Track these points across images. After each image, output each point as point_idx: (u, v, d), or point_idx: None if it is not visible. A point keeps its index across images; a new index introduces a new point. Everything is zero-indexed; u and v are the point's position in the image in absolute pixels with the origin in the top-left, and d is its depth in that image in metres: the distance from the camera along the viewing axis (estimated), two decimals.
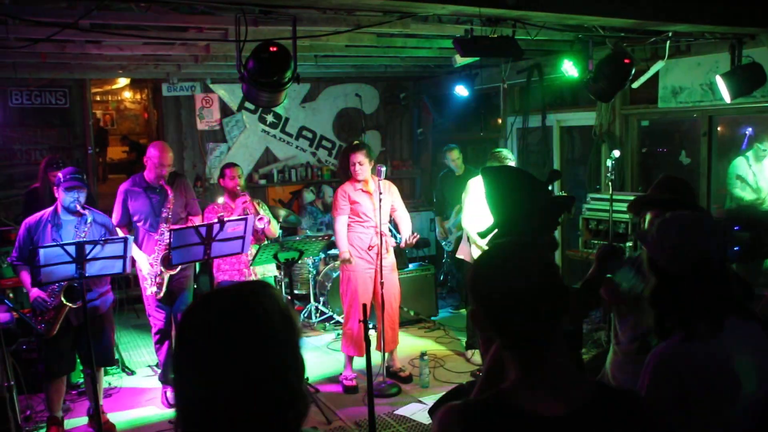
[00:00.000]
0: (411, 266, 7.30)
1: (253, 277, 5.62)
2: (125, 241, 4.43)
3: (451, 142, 7.89)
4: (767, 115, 5.95)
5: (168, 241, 4.97)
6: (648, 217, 2.91)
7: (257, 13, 4.31)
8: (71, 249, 4.15)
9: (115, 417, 5.07)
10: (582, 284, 2.76)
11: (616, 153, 5.75)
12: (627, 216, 5.94)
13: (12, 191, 7.37)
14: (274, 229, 5.87)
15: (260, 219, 5.55)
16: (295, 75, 4.32)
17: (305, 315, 7.37)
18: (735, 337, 1.91)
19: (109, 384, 5.76)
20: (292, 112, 9.31)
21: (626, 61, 5.38)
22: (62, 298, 4.47)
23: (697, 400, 1.87)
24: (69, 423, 5.03)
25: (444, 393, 2.00)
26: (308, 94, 9.42)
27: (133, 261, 5.31)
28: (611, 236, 5.80)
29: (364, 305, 4.02)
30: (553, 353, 1.47)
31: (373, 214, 5.44)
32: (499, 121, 8.56)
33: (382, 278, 5.40)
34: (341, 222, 5.58)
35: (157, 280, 5.19)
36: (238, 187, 5.67)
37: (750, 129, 6.20)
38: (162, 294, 5.20)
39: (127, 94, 13.79)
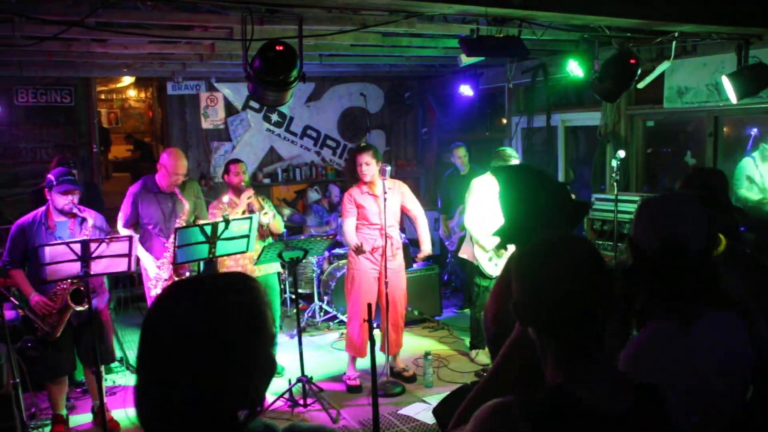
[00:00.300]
0: (415, 266, 7.30)
1: (257, 273, 5.62)
2: (130, 239, 4.43)
3: (455, 142, 7.88)
4: None
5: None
6: None
7: (263, 12, 4.31)
8: (76, 247, 4.16)
9: (119, 414, 5.07)
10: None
11: (622, 153, 5.73)
12: (632, 216, 5.92)
13: (17, 189, 7.38)
14: (279, 225, 5.88)
15: (265, 214, 5.57)
16: (301, 74, 4.33)
17: (309, 314, 7.38)
18: (707, 333, 1.82)
19: (114, 382, 5.78)
20: (296, 111, 9.32)
21: (632, 61, 5.37)
22: (69, 301, 4.47)
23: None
24: (74, 420, 5.04)
25: (448, 393, 1.99)
26: (313, 93, 9.42)
27: (137, 259, 5.32)
28: (616, 236, 5.79)
29: (369, 305, 4.01)
30: (599, 348, 1.44)
31: (378, 218, 5.44)
32: (504, 120, 8.56)
33: (386, 278, 5.39)
34: (349, 223, 5.58)
35: (164, 284, 5.19)
36: (243, 183, 5.68)
37: (756, 129, 6.17)
38: None
39: (132, 93, 13.79)
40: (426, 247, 5.81)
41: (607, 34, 5.43)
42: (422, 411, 5.05)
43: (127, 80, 10.70)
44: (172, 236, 4.97)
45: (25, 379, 4.48)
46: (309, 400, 5.16)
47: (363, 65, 8.06)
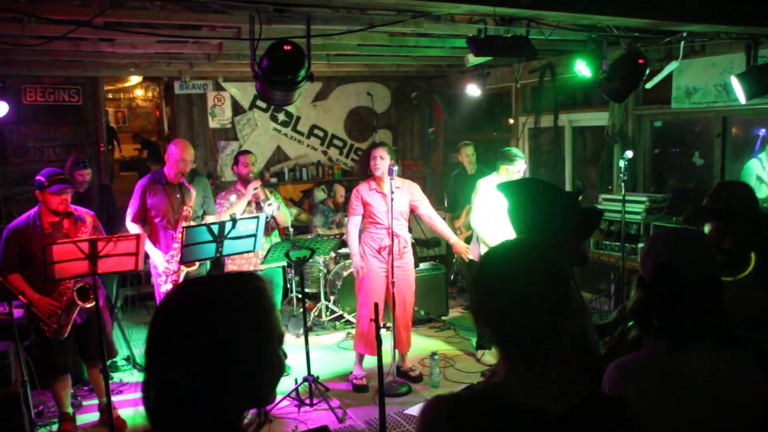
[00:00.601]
0: (422, 266, 7.29)
1: (262, 268, 5.63)
2: (138, 238, 4.44)
3: (459, 143, 7.88)
4: None
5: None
6: (707, 228, 2.74)
7: (271, 12, 4.31)
8: (84, 246, 4.17)
9: (126, 413, 5.09)
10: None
11: (629, 153, 5.71)
12: (639, 217, 5.91)
13: (25, 188, 7.40)
14: (285, 217, 5.89)
15: (269, 205, 5.58)
16: (309, 73, 4.33)
17: (315, 313, 7.38)
18: (699, 366, 1.84)
19: (120, 380, 5.79)
20: (303, 110, 9.33)
21: (640, 61, 5.35)
22: (76, 298, 4.48)
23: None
24: (81, 418, 5.06)
25: None
26: (320, 92, 9.43)
27: (146, 257, 5.34)
28: (623, 237, 5.78)
29: (376, 304, 4.01)
30: (550, 350, 1.44)
31: (386, 217, 5.43)
32: (511, 121, 8.54)
33: (393, 278, 5.39)
34: (353, 222, 5.60)
35: (173, 277, 5.21)
36: (251, 175, 5.74)
37: (764, 130, 6.14)
38: None
39: (139, 92, 13.84)
40: (455, 240, 5.84)
41: (615, 34, 5.41)
42: None
43: (135, 80, 10.72)
44: (180, 233, 4.98)
45: (33, 377, 4.49)
46: (315, 400, 5.17)
47: (370, 65, 8.06)
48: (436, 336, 6.90)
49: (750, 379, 1.82)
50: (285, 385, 5.24)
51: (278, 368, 1.32)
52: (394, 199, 5.31)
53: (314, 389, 5.19)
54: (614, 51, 5.82)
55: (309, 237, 6.50)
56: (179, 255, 4.90)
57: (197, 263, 5.14)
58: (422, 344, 6.55)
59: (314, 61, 5.61)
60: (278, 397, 5.11)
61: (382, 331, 4.11)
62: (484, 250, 5.74)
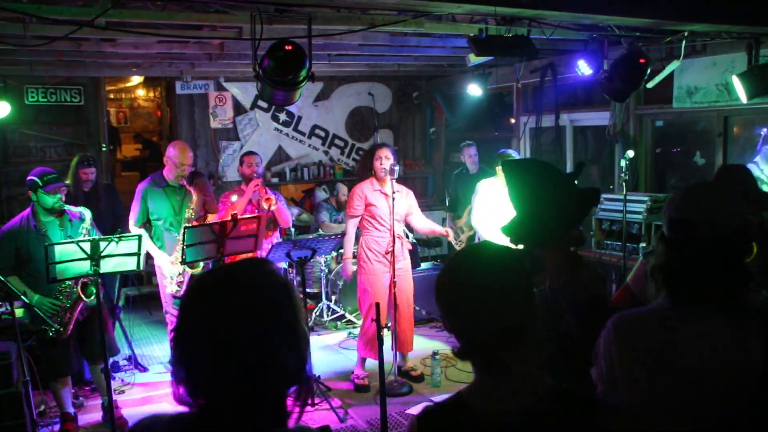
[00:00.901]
0: (423, 265, 7.30)
1: None
2: (139, 238, 4.44)
3: (464, 141, 7.87)
4: None
5: None
6: None
7: (272, 12, 4.32)
8: (86, 246, 4.17)
9: (128, 412, 5.09)
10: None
11: (630, 153, 5.71)
12: (640, 216, 5.91)
13: (26, 187, 7.42)
14: (286, 215, 5.90)
15: (267, 199, 5.59)
16: (310, 73, 4.34)
17: (317, 313, 7.39)
18: (701, 332, 1.75)
19: (123, 380, 5.80)
20: (304, 110, 9.33)
21: (642, 60, 5.35)
22: (81, 295, 4.48)
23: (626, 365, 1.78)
24: (83, 418, 5.07)
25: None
26: (321, 92, 9.43)
27: (148, 258, 5.34)
28: (624, 237, 5.77)
29: (377, 304, 4.01)
30: (514, 358, 1.46)
31: (389, 218, 5.41)
32: (512, 120, 8.54)
33: (394, 278, 5.39)
34: (354, 223, 5.57)
35: (178, 279, 5.21)
36: (255, 175, 5.78)
37: (765, 129, 6.13)
38: (182, 292, 5.22)
39: (141, 92, 13.83)
40: (441, 229, 5.95)
41: (617, 33, 5.41)
42: None
43: (136, 80, 10.74)
44: (181, 234, 4.99)
45: (34, 377, 4.49)
46: (317, 400, 5.16)
47: (371, 65, 8.06)
48: (437, 336, 6.90)
49: (748, 351, 1.72)
50: None
51: (308, 342, 1.37)
52: (395, 200, 5.31)
53: (316, 389, 5.19)
54: (615, 50, 5.82)
55: (310, 237, 6.50)
56: (182, 256, 4.91)
57: (201, 264, 5.14)
58: (423, 344, 6.54)
59: (315, 61, 5.62)
60: None
61: (383, 331, 4.09)
62: None
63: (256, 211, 5.69)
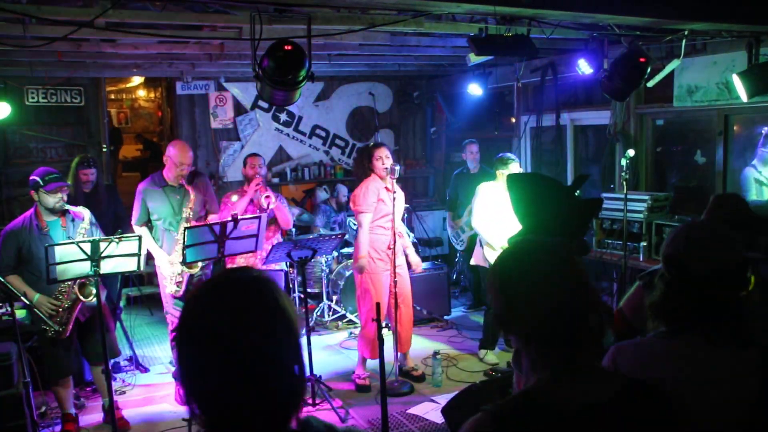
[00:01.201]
0: (424, 265, 7.28)
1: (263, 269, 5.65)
2: (139, 239, 4.45)
3: (465, 140, 7.88)
4: None
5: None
6: None
7: (272, 12, 4.31)
8: (86, 246, 4.17)
9: (129, 413, 5.09)
10: None
11: (631, 152, 5.71)
12: (641, 215, 5.90)
13: (27, 188, 7.42)
14: (287, 216, 5.91)
15: (267, 197, 5.60)
16: (310, 73, 4.33)
17: (318, 313, 7.39)
18: (684, 355, 1.82)
19: (124, 381, 5.80)
20: (305, 110, 9.33)
21: (642, 59, 5.34)
22: (78, 295, 4.48)
23: None
24: (84, 419, 5.07)
25: (457, 392, 2.00)
26: (321, 92, 9.43)
27: (149, 258, 5.35)
28: (625, 236, 5.77)
29: (378, 304, 4.01)
30: (582, 353, 1.47)
31: (392, 216, 5.38)
32: (513, 119, 8.54)
33: (395, 277, 5.38)
34: (368, 220, 5.42)
35: (177, 279, 5.22)
36: (258, 176, 5.82)
37: (766, 128, 6.13)
38: (182, 292, 5.22)
39: (141, 93, 13.83)
40: (415, 260, 5.89)
41: (617, 32, 5.40)
42: (431, 410, 5.04)
43: (137, 80, 10.75)
44: (181, 234, 4.99)
45: (35, 378, 4.50)
46: (317, 400, 5.16)
47: (371, 65, 8.06)
48: (439, 335, 6.90)
49: (741, 382, 1.78)
50: None
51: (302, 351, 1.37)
52: (396, 199, 5.31)
53: (317, 389, 5.19)
54: (616, 49, 5.81)
55: (311, 237, 6.50)
56: (181, 256, 4.91)
57: (200, 264, 5.14)
58: (424, 344, 6.55)
59: (315, 61, 5.62)
60: None
61: (384, 331, 4.09)
62: (488, 251, 5.77)
63: (257, 211, 5.70)
